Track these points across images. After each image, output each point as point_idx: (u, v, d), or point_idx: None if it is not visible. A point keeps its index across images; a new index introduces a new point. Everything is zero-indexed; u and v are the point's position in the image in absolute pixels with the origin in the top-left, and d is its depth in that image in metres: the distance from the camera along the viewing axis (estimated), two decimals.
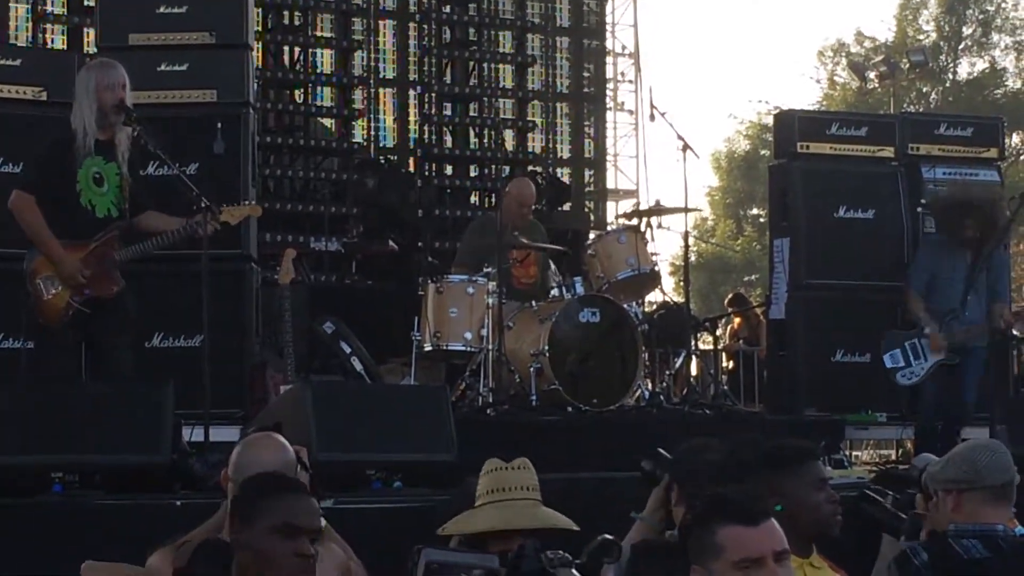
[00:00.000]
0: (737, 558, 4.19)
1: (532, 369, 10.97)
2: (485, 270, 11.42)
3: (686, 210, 13.09)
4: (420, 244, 15.40)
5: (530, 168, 16.92)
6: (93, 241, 9.23)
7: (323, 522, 4.84)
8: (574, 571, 4.10)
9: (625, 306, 11.43)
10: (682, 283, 13.70)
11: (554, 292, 11.69)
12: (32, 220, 9.24)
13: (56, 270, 9.19)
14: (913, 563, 5.51)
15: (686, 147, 12.44)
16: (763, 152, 44.43)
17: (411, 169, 17.43)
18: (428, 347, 11.41)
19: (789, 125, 13.60)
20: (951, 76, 49.31)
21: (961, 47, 49.69)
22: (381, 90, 17.62)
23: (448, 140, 17.49)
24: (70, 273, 9.16)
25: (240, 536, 4.69)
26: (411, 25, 17.69)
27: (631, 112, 19.98)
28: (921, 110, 43.10)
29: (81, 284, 9.17)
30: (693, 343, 13.64)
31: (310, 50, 16.66)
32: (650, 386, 11.67)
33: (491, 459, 6.06)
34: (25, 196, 9.28)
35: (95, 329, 9.32)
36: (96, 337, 9.35)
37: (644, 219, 12.76)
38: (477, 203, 17.19)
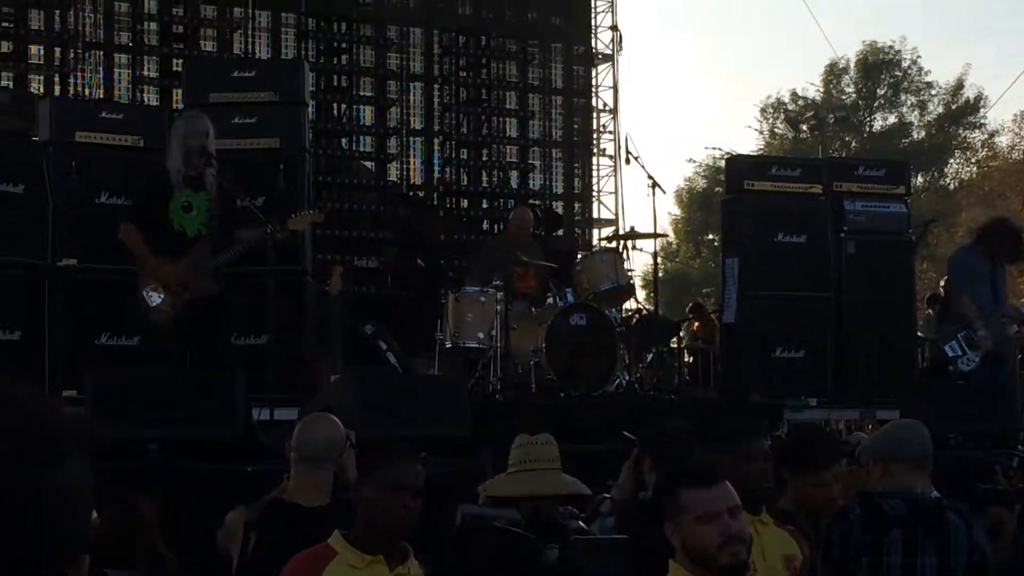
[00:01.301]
0: (698, 514, 4.22)
1: (532, 363, 10.98)
2: (494, 282, 11.42)
3: (655, 235, 13.10)
4: (442, 262, 15.39)
5: (530, 201, 16.91)
6: (188, 255, 9.28)
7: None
8: (580, 522, 4.13)
9: (607, 312, 11.44)
10: (652, 294, 13.72)
11: (549, 300, 11.70)
12: (135, 245, 9.34)
13: (158, 281, 9.25)
14: (848, 517, 5.53)
15: (655, 184, 12.46)
16: (717, 189, 44.39)
17: (435, 202, 17.43)
18: (449, 344, 11.39)
19: (738, 167, 13.63)
20: (867, 128, 49.32)
21: (876, 105, 49.70)
22: (411, 139, 17.61)
23: (465, 179, 17.51)
24: (167, 282, 9.22)
25: (361, 490, 4.79)
26: (435, 87, 17.69)
27: (611, 157, 19.90)
28: (843, 156, 43.04)
29: (178, 290, 9.22)
30: (662, 343, 13.61)
31: (354, 106, 16.69)
32: (627, 376, 11.66)
33: (520, 434, 6.03)
34: (129, 227, 9.35)
35: (196, 325, 9.36)
36: (198, 332, 9.39)
37: (621, 242, 12.78)
38: (488, 229, 17.20)
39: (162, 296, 9.24)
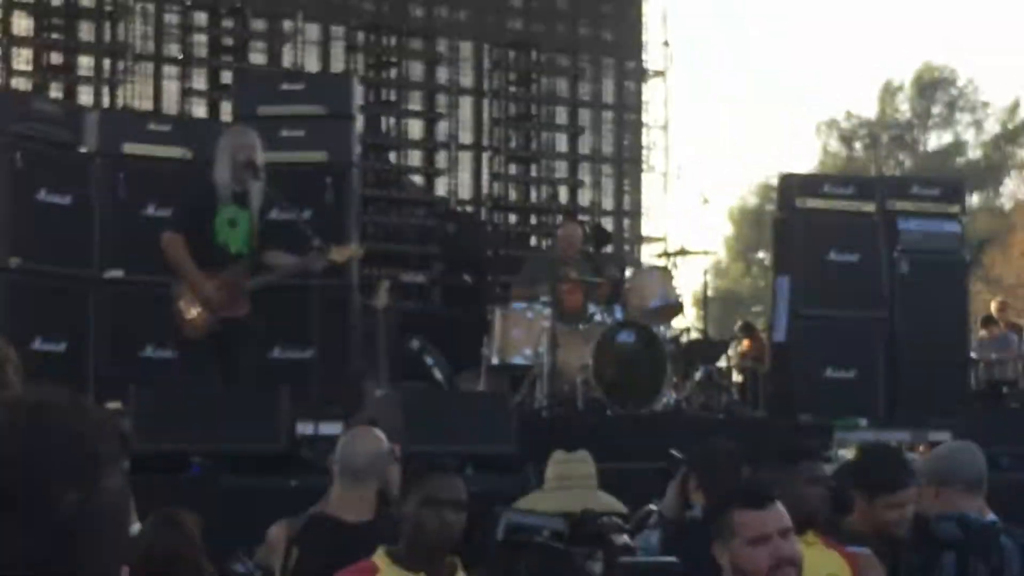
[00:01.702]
0: (749, 536, 4.17)
1: (579, 380, 10.94)
2: (542, 299, 11.39)
3: (705, 253, 13.07)
4: (489, 278, 15.39)
5: (579, 217, 16.91)
6: (227, 272, 9.27)
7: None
8: (625, 536, 4.11)
9: (655, 329, 11.40)
10: (702, 313, 13.74)
11: (597, 317, 11.66)
12: (177, 254, 9.28)
13: (195, 295, 9.24)
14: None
15: (706, 201, 12.44)
16: (768, 206, 44.28)
17: (483, 217, 17.45)
18: (495, 361, 11.38)
19: (790, 185, 13.56)
20: (922, 147, 49.10)
21: (930, 123, 49.49)
22: (460, 153, 17.63)
23: (513, 194, 17.52)
24: (206, 297, 9.19)
25: (402, 508, 4.80)
26: (484, 101, 17.71)
27: (662, 174, 19.90)
28: (897, 174, 42.86)
29: (216, 306, 9.21)
30: (711, 361, 13.57)
31: (403, 120, 16.73)
32: (675, 395, 11.62)
33: (557, 451, 6.04)
34: (174, 236, 9.34)
35: (228, 343, 9.34)
36: (228, 349, 9.38)
37: (671, 259, 12.75)
38: (536, 245, 17.19)
39: (198, 309, 9.25)
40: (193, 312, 9.25)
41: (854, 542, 5.36)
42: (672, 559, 4.34)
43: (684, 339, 13.11)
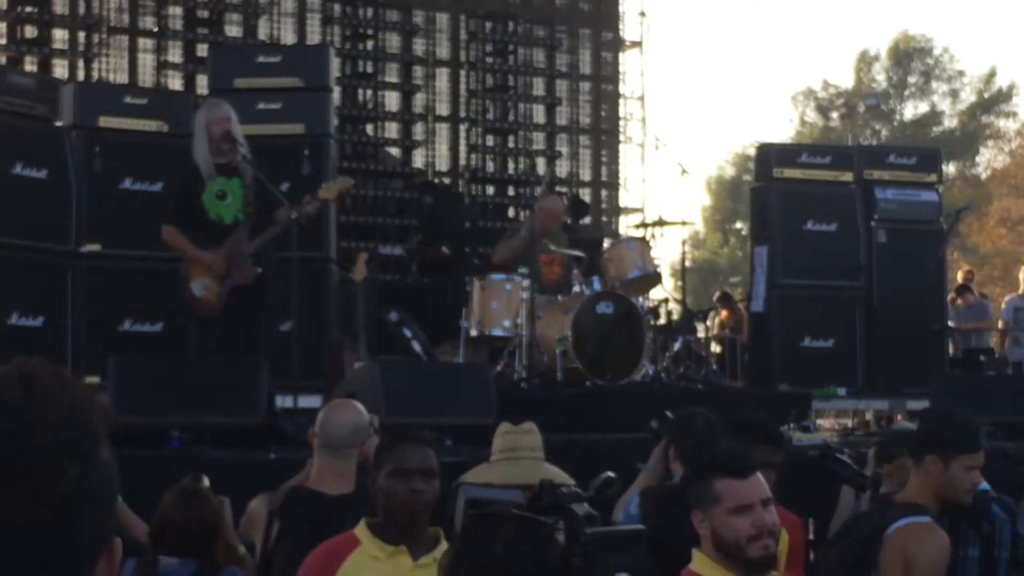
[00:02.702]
0: (731, 505, 4.19)
1: (558, 351, 10.93)
2: (520, 270, 11.38)
3: (683, 223, 13.07)
4: (467, 250, 15.37)
5: (556, 189, 16.90)
6: (227, 243, 9.31)
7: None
8: (585, 504, 4.10)
9: (633, 300, 11.40)
10: (680, 283, 13.76)
11: (576, 288, 11.65)
12: (181, 244, 9.45)
13: (202, 272, 9.30)
14: None
15: (683, 171, 12.43)
16: (746, 177, 44.32)
17: (460, 189, 17.42)
18: (474, 332, 11.37)
19: (767, 155, 13.57)
20: (898, 117, 49.17)
21: (907, 93, 49.56)
22: (437, 125, 17.59)
23: (491, 166, 17.49)
24: (210, 270, 9.28)
25: (375, 480, 4.80)
26: (461, 72, 17.67)
27: (639, 144, 19.86)
28: (874, 144, 42.95)
29: (222, 277, 9.26)
30: (689, 332, 13.59)
31: (379, 92, 16.68)
32: (653, 365, 11.62)
33: (503, 423, 6.06)
34: (171, 228, 9.45)
35: (243, 309, 9.40)
36: (245, 315, 9.43)
37: (648, 230, 12.75)
38: (514, 216, 17.18)
39: (208, 286, 9.31)
40: (203, 291, 9.32)
41: (911, 512, 5.19)
42: (639, 527, 4.33)
43: (662, 310, 13.11)
